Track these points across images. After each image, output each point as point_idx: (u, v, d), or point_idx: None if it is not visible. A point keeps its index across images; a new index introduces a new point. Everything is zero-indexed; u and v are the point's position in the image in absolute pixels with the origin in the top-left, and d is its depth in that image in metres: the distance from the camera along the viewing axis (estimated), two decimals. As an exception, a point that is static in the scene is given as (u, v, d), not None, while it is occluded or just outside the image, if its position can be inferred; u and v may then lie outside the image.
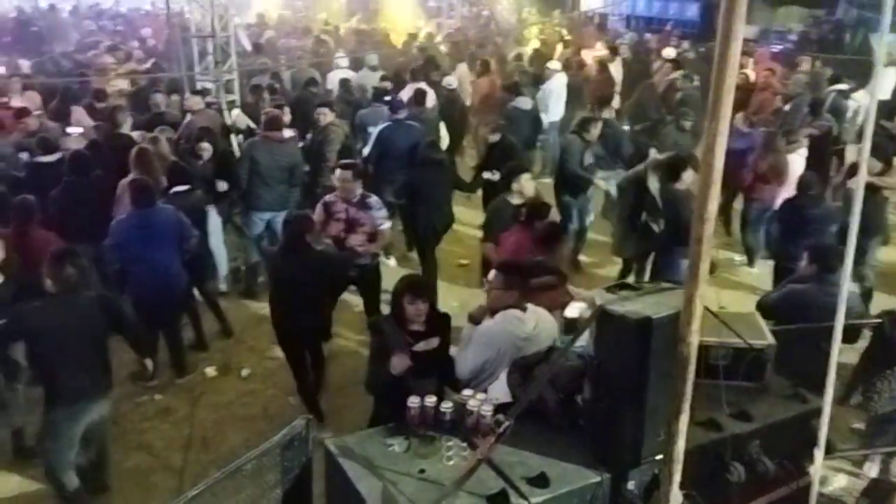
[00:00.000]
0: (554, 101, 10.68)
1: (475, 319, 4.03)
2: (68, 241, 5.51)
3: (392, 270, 7.14)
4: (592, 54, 13.56)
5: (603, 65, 12.31)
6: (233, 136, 8.52)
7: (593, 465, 3.04)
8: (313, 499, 3.38)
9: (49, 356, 4.15)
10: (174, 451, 5.10)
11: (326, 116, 7.99)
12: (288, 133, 7.69)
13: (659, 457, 2.82)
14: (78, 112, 8.68)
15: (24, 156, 7.00)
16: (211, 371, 6.12)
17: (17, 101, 8.76)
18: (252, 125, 8.63)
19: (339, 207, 5.81)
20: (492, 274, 4.09)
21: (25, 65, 10.99)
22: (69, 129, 7.84)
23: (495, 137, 7.95)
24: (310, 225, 5.39)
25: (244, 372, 6.15)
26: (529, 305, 4.01)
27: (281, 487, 3.15)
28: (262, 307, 6.68)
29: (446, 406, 3.22)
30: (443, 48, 15.03)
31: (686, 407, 2.57)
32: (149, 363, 4.99)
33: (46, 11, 18.29)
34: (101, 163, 6.64)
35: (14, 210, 5.47)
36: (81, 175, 6.30)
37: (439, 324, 4.10)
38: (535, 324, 3.93)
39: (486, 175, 7.54)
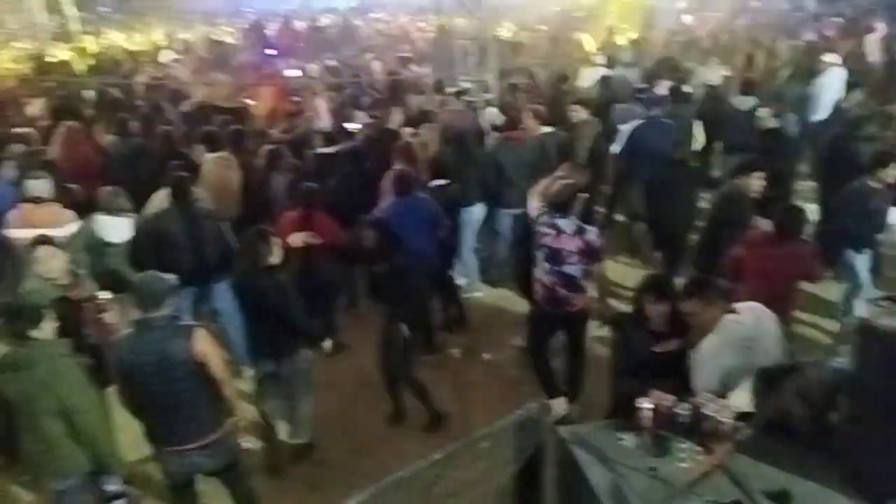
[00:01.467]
0: (829, 96, 9.72)
1: (692, 344, 3.84)
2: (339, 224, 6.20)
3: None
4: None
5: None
6: (486, 136, 8.89)
7: (846, 490, 2.80)
8: (545, 483, 3.50)
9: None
10: (420, 423, 5.51)
11: (579, 113, 8.05)
12: (545, 129, 7.88)
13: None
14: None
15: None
16: (456, 353, 6.48)
17: (318, 102, 9.99)
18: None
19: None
20: (683, 306, 3.80)
21: (315, 69, 12.38)
22: (346, 125, 8.75)
23: (774, 122, 7.40)
24: None
25: (486, 356, 6.43)
26: (739, 304, 3.77)
27: (514, 465, 3.30)
28: (506, 297, 6.94)
29: (682, 408, 3.16)
30: (706, 43, 14.33)
31: (963, 438, 2.30)
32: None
33: (338, 20, 20.36)
34: (371, 156, 7.34)
35: (299, 196, 6.21)
36: (353, 166, 7.00)
37: (682, 325, 3.98)
38: (752, 317, 3.68)
39: None
